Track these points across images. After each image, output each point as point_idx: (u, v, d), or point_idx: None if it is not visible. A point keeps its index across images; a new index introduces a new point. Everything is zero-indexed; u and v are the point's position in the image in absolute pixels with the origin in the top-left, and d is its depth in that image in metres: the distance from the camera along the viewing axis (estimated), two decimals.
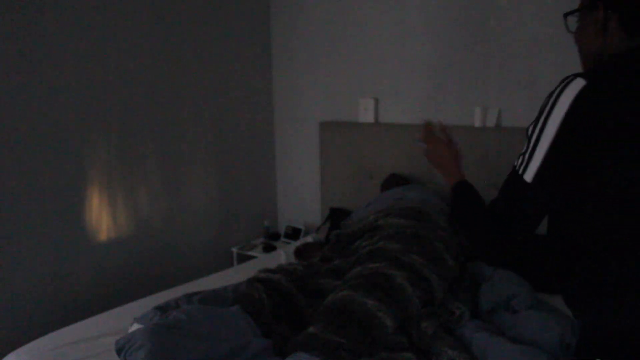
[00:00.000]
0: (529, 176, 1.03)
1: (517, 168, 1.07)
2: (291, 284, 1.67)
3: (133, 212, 2.47)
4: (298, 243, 2.63)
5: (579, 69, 2.15)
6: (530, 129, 1.05)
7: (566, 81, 1.01)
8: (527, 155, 1.04)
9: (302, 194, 3.19)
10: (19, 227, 2.05)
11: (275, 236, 3.13)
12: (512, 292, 1.61)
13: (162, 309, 1.62)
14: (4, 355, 1.57)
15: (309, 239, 2.73)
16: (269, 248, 2.92)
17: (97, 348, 1.55)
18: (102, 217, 2.34)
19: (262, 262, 2.46)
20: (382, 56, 2.69)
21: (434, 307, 1.52)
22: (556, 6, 2.15)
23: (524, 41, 2.25)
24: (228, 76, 2.88)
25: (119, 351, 1.28)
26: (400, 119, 2.68)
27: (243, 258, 2.93)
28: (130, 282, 2.45)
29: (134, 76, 2.39)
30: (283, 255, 2.45)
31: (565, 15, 1.17)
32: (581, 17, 1.13)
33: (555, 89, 1.02)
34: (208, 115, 2.79)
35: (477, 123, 2.39)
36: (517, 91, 2.32)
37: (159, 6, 2.46)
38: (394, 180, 2.51)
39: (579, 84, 0.98)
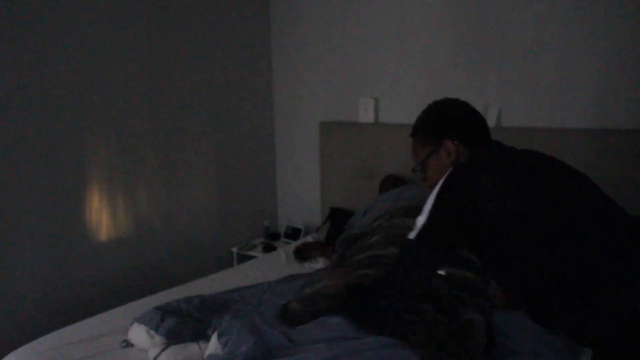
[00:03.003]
0: (412, 235, 1.24)
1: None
2: None
3: (133, 212, 2.47)
4: (298, 243, 2.63)
5: (578, 68, 2.16)
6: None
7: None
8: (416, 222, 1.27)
9: (302, 194, 3.18)
10: (19, 227, 2.05)
11: (275, 236, 3.13)
12: None
13: (162, 309, 1.62)
14: (4, 355, 1.57)
15: (309, 239, 2.73)
16: (269, 248, 2.92)
17: (97, 348, 1.55)
18: (102, 217, 2.34)
19: (262, 262, 2.47)
20: (382, 56, 2.69)
21: (443, 315, 1.50)
22: (557, 6, 2.15)
23: (524, 41, 2.25)
24: (228, 76, 2.88)
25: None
26: (400, 119, 2.68)
27: (243, 258, 2.93)
28: (130, 282, 2.45)
29: (133, 76, 2.39)
30: (283, 255, 2.45)
31: (414, 170, 1.40)
32: (433, 158, 1.35)
33: None
34: (208, 115, 2.79)
35: None
36: (517, 91, 2.32)
37: (158, 6, 2.46)
38: (391, 181, 2.52)
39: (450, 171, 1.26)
